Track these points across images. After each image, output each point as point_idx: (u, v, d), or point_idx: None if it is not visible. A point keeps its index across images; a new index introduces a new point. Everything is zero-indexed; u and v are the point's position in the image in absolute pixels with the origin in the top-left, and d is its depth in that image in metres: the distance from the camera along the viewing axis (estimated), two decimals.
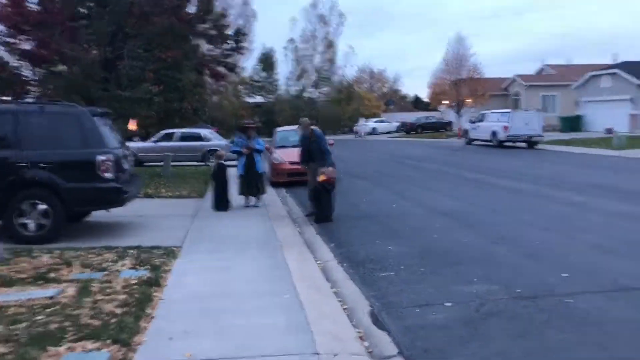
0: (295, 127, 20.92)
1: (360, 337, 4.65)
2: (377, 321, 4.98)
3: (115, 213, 8.94)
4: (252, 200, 11.20)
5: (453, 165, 19.45)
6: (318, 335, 4.49)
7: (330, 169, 10.03)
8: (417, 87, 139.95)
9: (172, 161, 21.03)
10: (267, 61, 57.68)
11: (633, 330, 4.69)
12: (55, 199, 7.98)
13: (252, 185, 10.98)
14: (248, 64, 53.69)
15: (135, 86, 13.46)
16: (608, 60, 53.08)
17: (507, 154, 24.76)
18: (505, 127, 28.04)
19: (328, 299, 5.61)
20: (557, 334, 4.60)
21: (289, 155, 15.44)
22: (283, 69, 58.94)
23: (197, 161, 21.86)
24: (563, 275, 6.17)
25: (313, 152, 10.35)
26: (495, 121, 29.20)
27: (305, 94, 57.13)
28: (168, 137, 22.27)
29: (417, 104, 78.67)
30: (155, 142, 22.07)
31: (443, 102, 49.60)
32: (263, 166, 11.71)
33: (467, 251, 7.41)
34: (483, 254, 7.21)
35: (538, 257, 6.97)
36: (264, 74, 58.10)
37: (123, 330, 4.51)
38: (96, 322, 4.74)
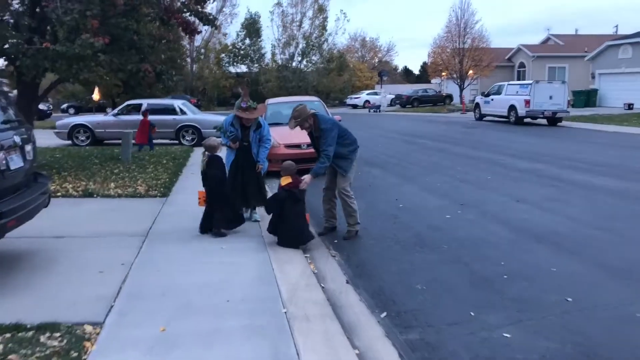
0: (290, 99, 17.11)
1: None
2: None
3: (15, 232, 5.18)
4: (247, 213, 7.45)
5: (481, 147, 15.85)
6: None
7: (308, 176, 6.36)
8: (406, 59, 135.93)
9: None
10: (251, 27, 53.17)
11: None
12: None
13: (248, 192, 7.19)
14: (231, 30, 49.31)
15: (72, 38, 9.56)
16: (609, 32, 49.87)
17: (533, 132, 21.24)
18: (527, 102, 24.47)
19: None
20: None
21: (284, 136, 11.77)
22: (269, 36, 54.52)
23: (169, 139, 18.08)
24: None
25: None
26: (514, 94, 25.61)
27: (293, 64, 52.90)
28: (133, 109, 18.37)
29: (407, 76, 74.92)
30: (116, 115, 18.14)
31: (442, 73, 45.83)
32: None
33: None
34: None
35: None
36: (248, 41, 53.65)
37: None
38: None
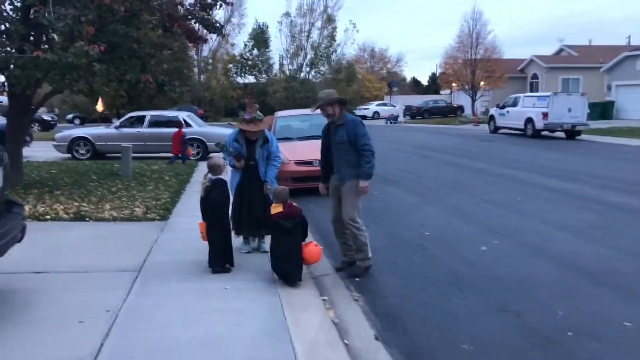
0: (300, 112, 16.20)
1: None
2: None
3: None
4: (254, 242, 6.59)
5: (502, 162, 14.94)
6: None
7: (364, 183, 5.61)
8: (414, 70, 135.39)
9: (142, 152, 16.49)
10: (259, 37, 52.58)
11: None
12: None
13: (254, 218, 6.26)
14: (239, 40, 48.82)
15: (66, 46, 8.79)
16: (622, 42, 48.90)
17: (553, 146, 20.31)
18: (545, 114, 23.56)
19: None
20: None
21: (294, 153, 10.98)
22: (277, 46, 53.98)
23: None
24: None
25: (339, 154, 5.82)
26: (531, 106, 24.71)
27: (301, 74, 52.21)
28: (136, 121, 17.63)
29: (416, 86, 74.09)
30: (118, 127, 17.36)
31: (453, 84, 45.01)
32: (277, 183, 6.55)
33: None
34: None
35: None
36: (256, 52, 53.04)
37: None
38: None
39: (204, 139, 16.94)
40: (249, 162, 6.27)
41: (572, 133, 23.84)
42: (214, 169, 5.71)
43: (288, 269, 5.27)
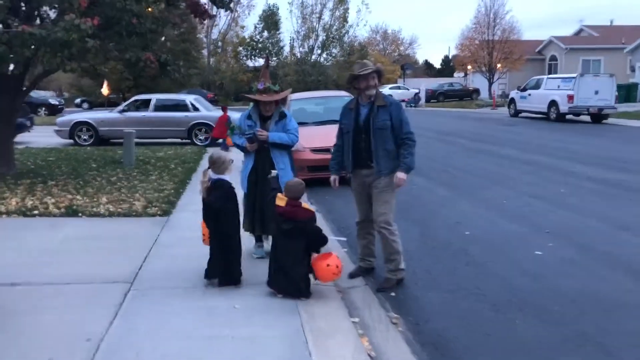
0: (316, 94, 15.09)
1: None
2: None
3: None
4: (267, 242, 5.61)
5: (532, 149, 13.86)
6: None
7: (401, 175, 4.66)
8: (426, 52, 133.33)
9: (147, 138, 15.62)
10: (269, 19, 51.24)
11: None
12: None
13: (265, 213, 5.26)
14: (249, 22, 47.61)
15: (57, 20, 7.86)
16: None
17: (583, 131, 19.16)
18: (570, 97, 22.35)
19: None
20: None
21: (310, 139, 10.02)
22: (288, 28, 52.65)
23: (181, 138, 16.37)
24: None
25: (379, 142, 4.80)
26: (556, 88, 23.48)
27: (312, 57, 50.91)
28: (141, 105, 16.69)
29: (429, 69, 72.51)
30: (122, 112, 16.43)
31: (469, 66, 43.64)
32: (293, 173, 5.49)
33: None
34: None
35: None
36: (266, 34, 51.76)
37: None
38: None
39: (212, 124, 15.99)
40: (263, 144, 5.29)
41: (598, 117, 22.64)
42: (216, 165, 4.64)
43: (281, 282, 4.36)
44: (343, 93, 12.23)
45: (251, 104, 5.51)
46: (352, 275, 5.01)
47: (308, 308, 4.21)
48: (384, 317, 4.26)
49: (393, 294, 4.65)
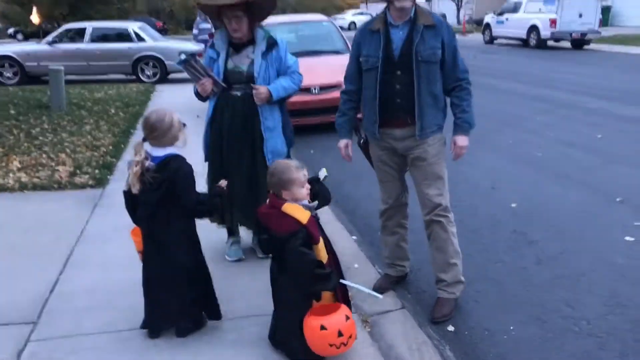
0: (291, 18, 12.55)
1: None
2: None
3: None
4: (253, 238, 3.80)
5: (532, 81, 12.27)
6: None
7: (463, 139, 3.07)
8: None
9: (84, 74, 13.33)
10: None
11: None
12: None
13: (236, 194, 3.44)
14: None
15: None
16: None
17: (569, 57, 17.70)
18: (553, 21, 20.69)
19: None
20: None
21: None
22: None
23: (125, 74, 14.06)
24: None
25: (423, 83, 2.93)
26: (536, 12, 21.75)
27: None
28: (75, 35, 14.16)
29: None
30: (51, 43, 13.89)
31: None
32: (287, 138, 3.59)
33: None
34: None
35: None
36: None
37: None
38: None
39: (161, 57, 13.70)
40: (231, 85, 3.43)
41: (581, 42, 21.19)
42: (157, 132, 2.63)
43: (280, 341, 2.67)
44: (322, 17, 10.20)
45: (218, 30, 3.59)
46: (377, 290, 3.24)
47: None
48: None
49: (451, 327, 3.00)
